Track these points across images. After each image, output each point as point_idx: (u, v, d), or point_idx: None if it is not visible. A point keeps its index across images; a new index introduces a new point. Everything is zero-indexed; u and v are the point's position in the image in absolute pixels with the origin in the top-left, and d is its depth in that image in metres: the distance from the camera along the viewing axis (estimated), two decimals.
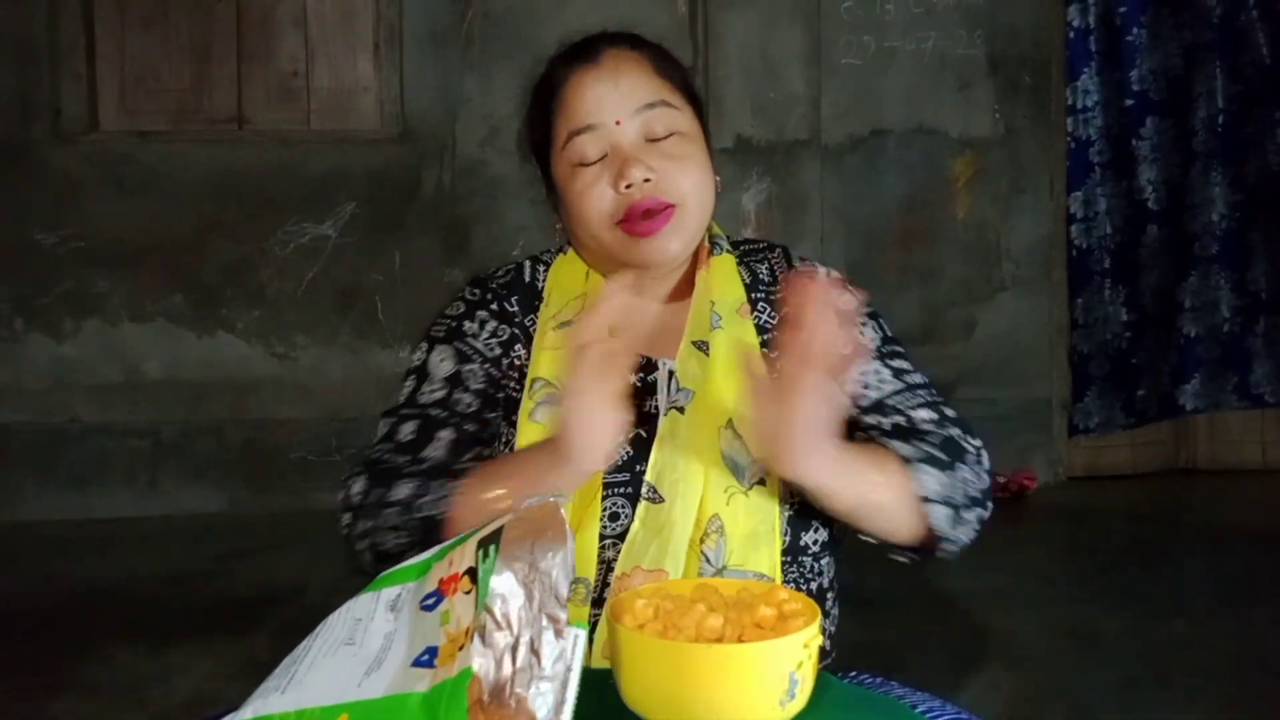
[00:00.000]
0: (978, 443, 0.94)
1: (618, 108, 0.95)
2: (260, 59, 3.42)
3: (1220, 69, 3.41)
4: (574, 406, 0.78)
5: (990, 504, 0.92)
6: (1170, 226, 3.48)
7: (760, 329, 0.97)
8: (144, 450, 3.35)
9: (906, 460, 0.88)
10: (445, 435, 0.91)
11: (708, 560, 0.86)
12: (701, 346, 0.94)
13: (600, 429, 0.78)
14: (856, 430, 0.96)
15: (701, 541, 0.87)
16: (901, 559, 0.94)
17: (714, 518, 0.87)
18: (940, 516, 0.88)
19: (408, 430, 0.92)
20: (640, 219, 0.93)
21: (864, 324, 0.99)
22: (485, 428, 0.94)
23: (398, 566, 0.71)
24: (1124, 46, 3.47)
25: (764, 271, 1.02)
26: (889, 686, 0.92)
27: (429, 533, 0.84)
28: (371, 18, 3.44)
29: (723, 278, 0.99)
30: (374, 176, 3.39)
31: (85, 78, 3.37)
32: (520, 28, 3.35)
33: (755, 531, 0.87)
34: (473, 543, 0.66)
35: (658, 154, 0.94)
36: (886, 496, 0.86)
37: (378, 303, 3.41)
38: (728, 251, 1.02)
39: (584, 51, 0.98)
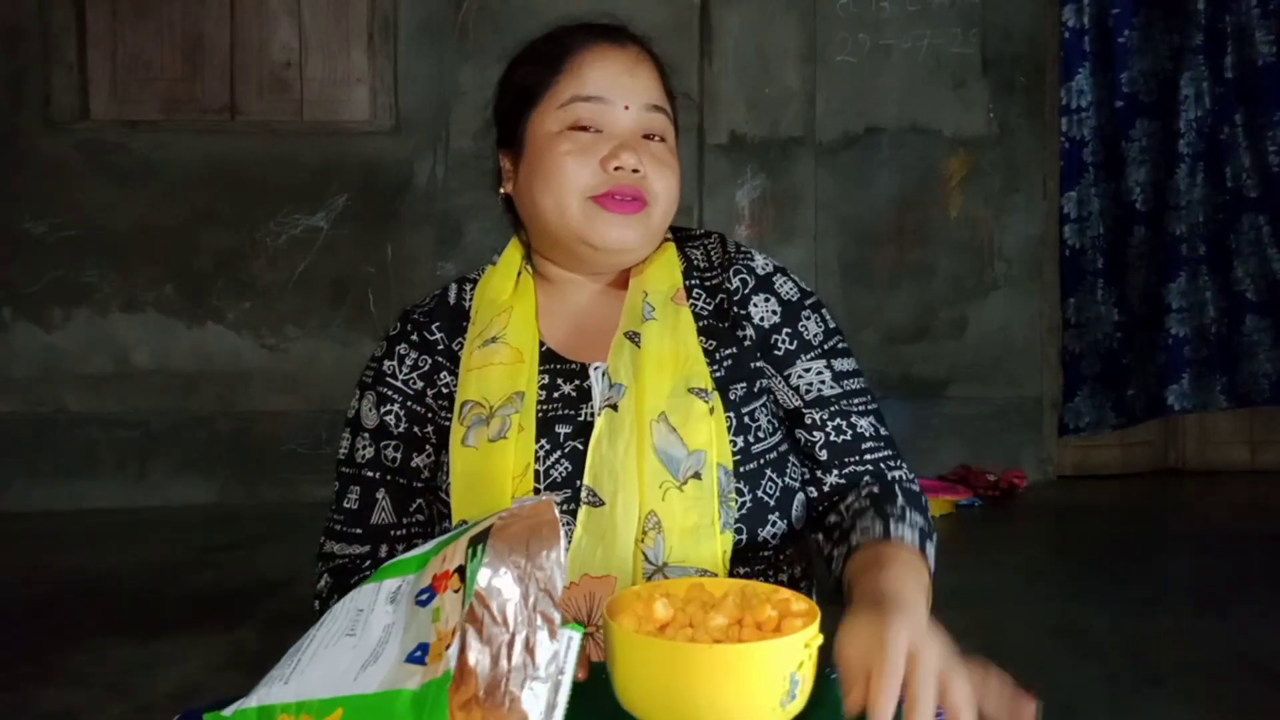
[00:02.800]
0: (913, 474, 0.95)
1: (631, 94, 0.95)
2: (253, 49, 3.40)
3: (1208, 72, 3.43)
4: None
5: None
6: (1158, 227, 3.50)
7: (697, 316, 0.95)
8: (133, 441, 3.34)
9: (921, 550, 0.86)
10: (382, 497, 0.95)
11: (648, 559, 0.85)
12: (633, 338, 0.92)
13: None
14: (799, 423, 0.94)
15: (641, 540, 0.85)
16: None
17: (650, 514, 0.85)
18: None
19: (353, 497, 0.97)
20: (617, 199, 0.92)
21: (808, 316, 0.97)
22: (417, 475, 0.95)
23: (399, 558, 0.71)
24: (1116, 48, 3.48)
25: (699, 257, 1.00)
26: None
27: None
28: (365, 9, 3.42)
29: (659, 266, 0.98)
30: (367, 168, 3.38)
31: (76, 66, 3.34)
32: (515, 20, 3.34)
33: (695, 526, 0.85)
34: (464, 540, 0.66)
35: (648, 152, 0.95)
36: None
37: (369, 295, 3.40)
38: (667, 240, 1.01)
39: (610, 31, 0.98)
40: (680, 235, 1.02)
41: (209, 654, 2.14)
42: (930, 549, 0.88)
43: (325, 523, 0.98)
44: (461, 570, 0.63)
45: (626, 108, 0.94)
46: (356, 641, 0.65)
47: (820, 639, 0.67)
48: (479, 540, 0.63)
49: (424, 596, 0.65)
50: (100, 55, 3.38)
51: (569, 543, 0.85)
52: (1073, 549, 3.02)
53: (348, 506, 0.96)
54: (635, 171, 0.92)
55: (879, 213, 3.50)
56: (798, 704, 0.66)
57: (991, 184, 3.53)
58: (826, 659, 0.97)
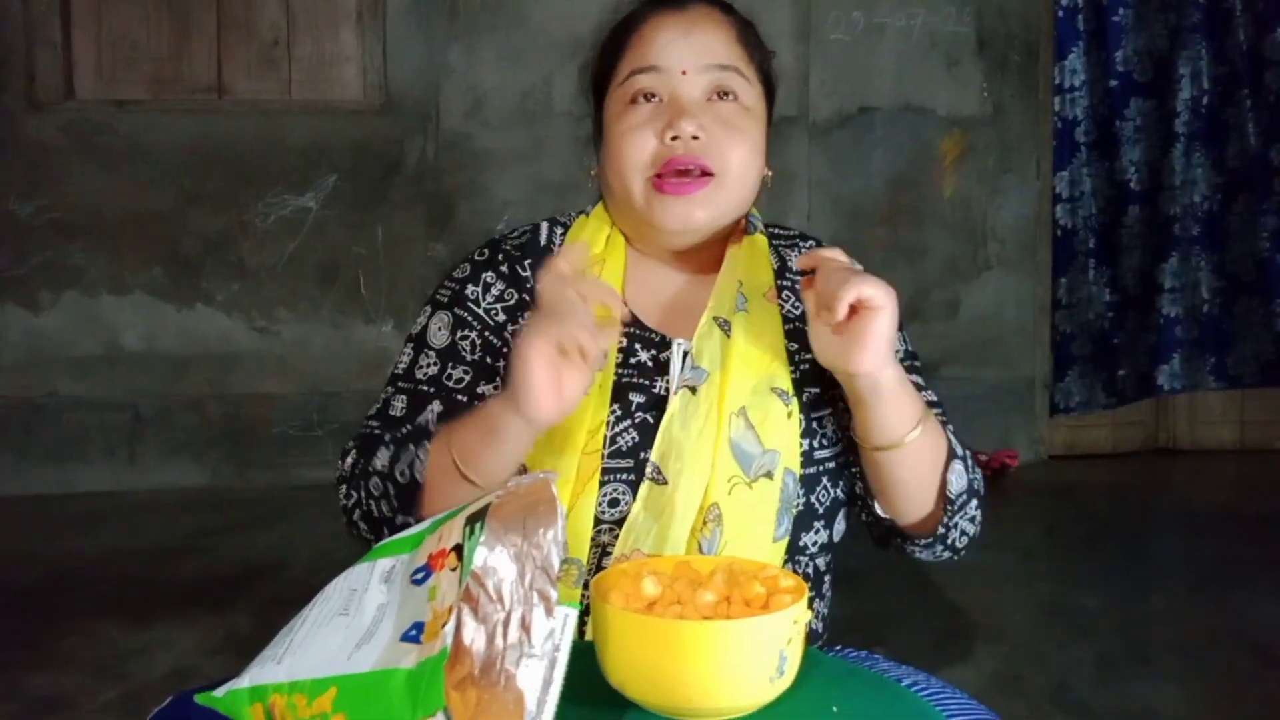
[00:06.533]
0: (982, 481, 0.94)
1: (688, 58, 0.90)
2: (240, 27, 3.36)
3: (1204, 51, 3.41)
4: (524, 352, 0.73)
5: (979, 527, 0.93)
6: (1152, 207, 3.50)
7: (785, 318, 0.94)
8: (123, 424, 3.32)
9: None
10: (434, 407, 0.91)
11: (701, 549, 0.85)
12: (723, 325, 0.90)
13: (545, 378, 0.73)
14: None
15: (700, 529, 0.85)
16: (913, 548, 0.92)
17: (713, 506, 0.85)
18: (957, 484, 0.86)
19: (399, 405, 0.92)
20: (674, 177, 0.89)
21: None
22: (480, 399, 0.91)
23: (393, 538, 0.71)
24: (1110, 27, 3.47)
25: (793, 258, 0.98)
26: (873, 660, 0.93)
27: (404, 497, 0.85)
28: None
29: (754, 258, 0.95)
30: (356, 148, 3.35)
31: (60, 44, 3.30)
32: None
33: (752, 525, 0.85)
34: (461, 518, 0.65)
35: (714, 116, 0.90)
36: (929, 441, 0.84)
37: (360, 277, 3.38)
38: (761, 232, 0.99)
39: None
40: (773, 231, 1.00)
41: (201, 638, 2.14)
42: (957, 449, 0.86)
43: (356, 434, 0.93)
44: (459, 549, 0.62)
45: (684, 73, 0.90)
46: (350, 621, 0.65)
47: (809, 615, 0.66)
48: (476, 519, 0.62)
49: (419, 575, 0.64)
50: (85, 34, 3.33)
51: (623, 513, 0.85)
52: (1064, 528, 3.03)
53: (391, 414, 0.92)
54: (695, 139, 0.88)
55: (872, 192, 3.49)
56: (786, 679, 0.66)
57: (985, 164, 3.52)
58: (818, 640, 0.97)
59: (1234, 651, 2.07)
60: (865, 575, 2.31)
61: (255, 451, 3.34)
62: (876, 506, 0.89)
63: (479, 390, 0.92)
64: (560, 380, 0.73)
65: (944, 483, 0.86)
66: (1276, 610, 2.24)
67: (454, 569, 0.62)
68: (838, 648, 0.97)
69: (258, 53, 3.37)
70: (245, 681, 0.65)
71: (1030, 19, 3.50)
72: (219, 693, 0.66)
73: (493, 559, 0.60)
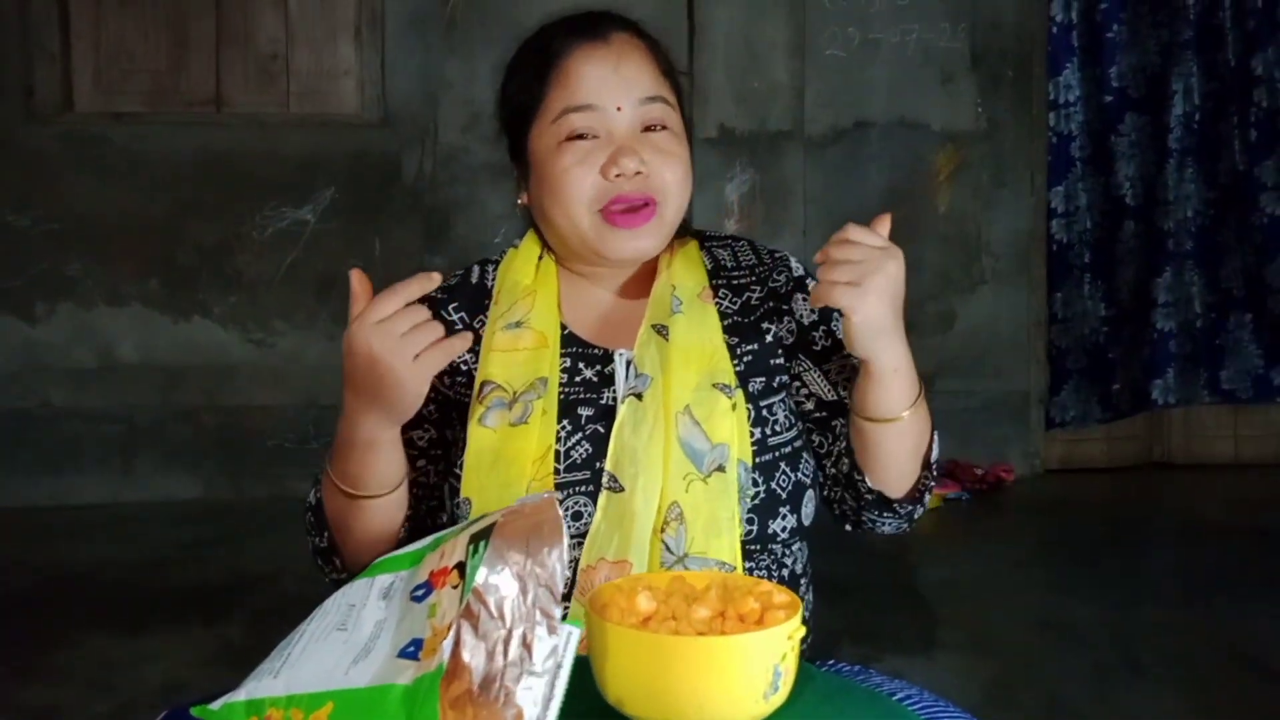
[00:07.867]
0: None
1: (620, 94, 0.93)
2: (239, 40, 3.37)
3: (1196, 67, 3.44)
4: (367, 350, 0.83)
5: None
6: (1146, 222, 3.52)
7: (722, 315, 0.96)
8: (118, 435, 3.31)
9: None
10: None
11: (669, 549, 0.86)
12: (661, 331, 0.93)
13: (401, 366, 0.81)
14: (840, 414, 0.96)
15: (662, 530, 0.86)
16: (887, 519, 0.95)
17: (673, 505, 0.87)
18: (936, 451, 0.93)
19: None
20: (623, 211, 0.92)
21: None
22: (410, 444, 0.95)
23: (392, 554, 0.71)
24: (1104, 43, 3.49)
25: (726, 257, 1.01)
26: (867, 675, 0.93)
27: (315, 519, 0.92)
28: (353, 0, 3.40)
29: (686, 263, 0.99)
30: (354, 162, 3.36)
31: (59, 56, 3.31)
32: (504, 13, 3.32)
33: (715, 519, 0.87)
34: (465, 536, 0.66)
35: (650, 147, 0.94)
36: (922, 416, 0.90)
37: None
38: (691, 237, 1.02)
39: (590, 27, 0.96)
40: (703, 237, 1.04)
41: (194, 649, 2.13)
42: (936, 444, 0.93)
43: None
44: (461, 567, 0.63)
45: (619, 109, 0.93)
46: (348, 636, 0.65)
47: (803, 631, 0.67)
48: (480, 537, 0.63)
49: (420, 592, 0.65)
50: (83, 46, 3.34)
51: (588, 526, 0.87)
52: (1060, 542, 3.03)
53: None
54: (638, 173, 0.92)
55: (868, 207, 3.48)
56: (780, 696, 0.66)
57: (980, 178, 3.54)
58: (810, 652, 0.97)
59: (1229, 664, 2.07)
60: (858, 589, 2.31)
61: (250, 463, 3.34)
62: (866, 480, 0.91)
63: (405, 436, 0.95)
64: (414, 364, 0.81)
65: (929, 450, 0.92)
66: (1270, 623, 2.24)
67: (455, 586, 0.63)
68: (830, 662, 0.97)
69: (256, 66, 3.38)
70: (242, 695, 0.66)
71: (1024, 35, 3.53)
72: (215, 706, 0.66)
73: (494, 577, 0.60)
